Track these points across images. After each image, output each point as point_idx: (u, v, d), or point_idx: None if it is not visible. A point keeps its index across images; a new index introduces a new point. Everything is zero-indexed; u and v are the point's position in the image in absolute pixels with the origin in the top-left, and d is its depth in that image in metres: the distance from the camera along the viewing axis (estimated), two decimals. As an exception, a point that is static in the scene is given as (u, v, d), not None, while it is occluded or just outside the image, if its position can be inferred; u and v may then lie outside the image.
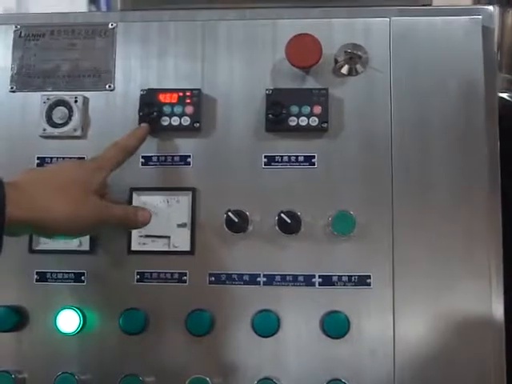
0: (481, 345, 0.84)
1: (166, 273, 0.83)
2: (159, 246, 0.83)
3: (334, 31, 0.85)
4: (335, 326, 0.80)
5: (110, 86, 0.86)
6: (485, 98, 0.87)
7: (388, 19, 0.86)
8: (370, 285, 0.80)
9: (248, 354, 0.81)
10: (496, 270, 0.86)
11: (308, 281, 0.81)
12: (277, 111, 0.80)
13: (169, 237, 0.83)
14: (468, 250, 0.84)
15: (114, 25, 0.88)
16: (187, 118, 0.83)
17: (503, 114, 0.94)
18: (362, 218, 0.80)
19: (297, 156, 0.82)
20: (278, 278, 0.81)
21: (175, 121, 0.83)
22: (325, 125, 0.81)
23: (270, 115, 0.81)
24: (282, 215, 0.78)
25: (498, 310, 0.86)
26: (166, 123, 0.83)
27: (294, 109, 0.82)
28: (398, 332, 0.80)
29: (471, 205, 0.83)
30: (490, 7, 0.90)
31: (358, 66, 0.83)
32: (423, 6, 0.93)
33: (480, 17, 0.88)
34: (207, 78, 0.85)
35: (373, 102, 0.83)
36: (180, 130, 0.83)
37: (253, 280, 0.81)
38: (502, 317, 0.86)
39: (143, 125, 0.82)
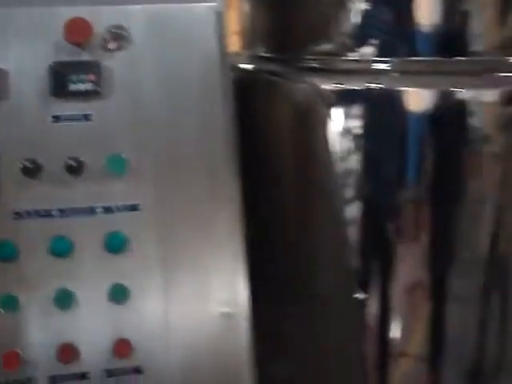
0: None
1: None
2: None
3: (103, 15, 1.08)
4: (116, 243, 1.05)
5: None
6: (220, 75, 1.10)
7: (140, 6, 1.07)
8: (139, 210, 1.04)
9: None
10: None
11: (93, 211, 1.04)
12: (58, 79, 1.05)
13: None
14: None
15: None
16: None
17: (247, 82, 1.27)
18: (133, 160, 1.05)
19: (77, 114, 1.03)
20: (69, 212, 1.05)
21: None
22: (98, 89, 1.07)
23: (54, 83, 1.05)
24: (68, 161, 1.04)
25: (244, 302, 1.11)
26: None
27: (73, 77, 1.06)
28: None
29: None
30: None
31: (123, 43, 1.09)
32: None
33: (214, 4, 1.09)
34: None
35: (137, 71, 1.08)
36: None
37: (48, 214, 1.04)
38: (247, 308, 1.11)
39: None
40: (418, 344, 1.33)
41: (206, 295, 1.12)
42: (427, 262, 1.26)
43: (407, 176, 1.22)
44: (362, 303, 1.28)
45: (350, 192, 1.27)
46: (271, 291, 1.36)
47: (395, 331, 1.32)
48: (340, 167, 1.25)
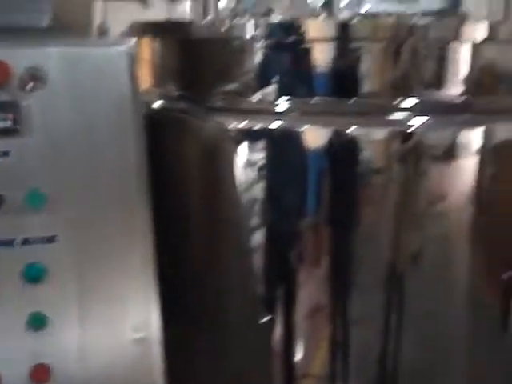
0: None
1: None
2: None
3: (21, 57, 1.08)
4: (34, 274, 1.08)
5: None
6: (132, 113, 1.15)
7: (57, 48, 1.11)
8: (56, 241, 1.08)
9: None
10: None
11: (12, 243, 1.07)
12: None
13: None
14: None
15: None
16: None
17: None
18: (51, 194, 1.07)
19: None
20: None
21: None
22: (17, 127, 1.09)
23: None
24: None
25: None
26: None
27: None
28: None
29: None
30: (133, 40, 1.19)
31: (40, 83, 1.14)
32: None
33: (125, 47, 1.15)
34: None
35: (54, 110, 1.10)
36: None
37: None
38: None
39: None
40: (321, 365, 1.42)
41: (120, 322, 1.16)
42: (328, 287, 1.35)
43: (307, 206, 1.31)
44: (267, 328, 1.36)
45: (254, 222, 1.34)
46: (183, 318, 1.42)
47: (299, 353, 1.42)
48: (245, 200, 1.33)
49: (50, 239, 1.10)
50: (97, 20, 1.85)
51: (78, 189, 1.12)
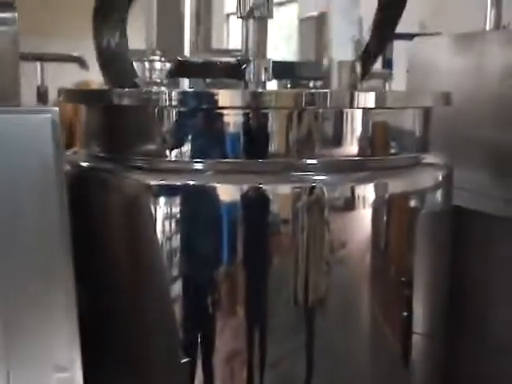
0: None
1: None
2: None
3: None
4: None
5: None
6: (55, 173, 1.23)
7: None
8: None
9: None
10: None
11: None
12: None
13: None
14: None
15: None
16: None
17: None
18: None
19: None
20: None
21: None
22: None
23: None
24: None
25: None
26: None
27: None
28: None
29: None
30: (56, 108, 1.26)
31: None
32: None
33: (49, 115, 1.23)
34: None
35: None
36: None
37: None
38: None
39: None
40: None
41: (45, 363, 1.23)
42: (243, 331, 1.41)
43: (221, 255, 1.38)
44: (187, 369, 1.42)
45: (173, 271, 1.41)
46: (108, 362, 1.49)
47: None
48: (164, 250, 1.40)
49: None
50: (37, 82, 1.95)
51: (0, 244, 1.19)
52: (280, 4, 6.10)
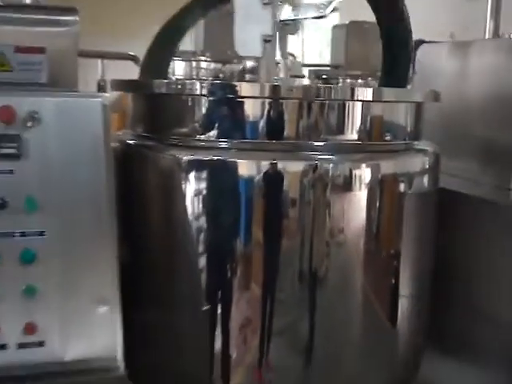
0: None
1: None
2: None
3: (24, 103, 1.36)
4: (28, 257, 1.33)
5: None
6: (104, 148, 1.42)
7: (51, 98, 1.38)
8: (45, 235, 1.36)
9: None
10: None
11: (11, 235, 1.32)
12: None
13: None
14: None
15: None
16: None
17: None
18: (42, 201, 1.36)
19: (4, 169, 1.34)
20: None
21: None
22: (19, 153, 1.36)
23: None
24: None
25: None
26: None
27: (2, 145, 1.34)
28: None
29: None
30: (107, 94, 1.46)
31: (37, 123, 1.41)
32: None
33: (100, 99, 1.42)
34: None
35: (46, 142, 1.38)
36: None
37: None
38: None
39: None
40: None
41: (91, 295, 1.43)
42: (259, 283, 1.56)
43: (240, 217, 1.54)
44: (207, 315, 1.58)
45: (199, 230, 1.57)
46: (146, 305, 1.66)
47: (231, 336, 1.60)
48: (192, 213, 1.56)
49: (40, 233, 1.38)
50: (97, 76, 2.11)
51: (61, 199, 1.40)
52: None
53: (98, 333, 1.42)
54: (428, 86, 2.04)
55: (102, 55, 2.43)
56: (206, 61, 1.87)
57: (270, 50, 1.74)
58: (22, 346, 1.36)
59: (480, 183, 1.88)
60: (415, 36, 1.80)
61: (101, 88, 2.56)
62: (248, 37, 1.70)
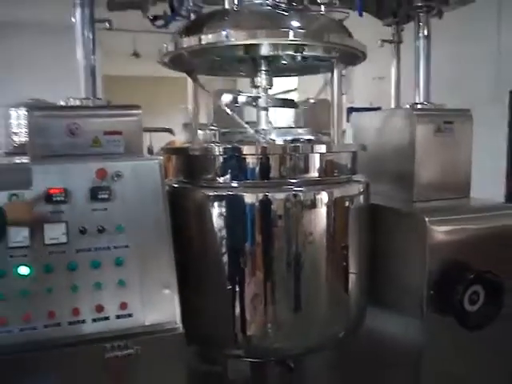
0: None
1: None
2: None
3: (112, 166, 1.45)
4: (119, 262, 1.40)
5: None
6: (161, 191, 1.47)
7: (126, 162, 1.45)
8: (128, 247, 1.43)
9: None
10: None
11: (108, 248, 1.38)
12: (93, 193, 1.42)
13: None
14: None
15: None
16: None
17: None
18: (127, 227, 1.43)
19: (102, 207, 1.41)
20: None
21: None
22: (110, 197, 1.44)
23: (92, 195, 1.46)
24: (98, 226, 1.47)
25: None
26: None
27: (99, 193, 1.42)
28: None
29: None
30: (161, 157, 1.52)
31: (119, 180, 1.56)
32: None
33: (157, 160, 1.48)
34: None
35: (125, 192, 1.49)
36: None
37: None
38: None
39: None
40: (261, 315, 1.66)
41: (159, 286, 1.45)
42: (261, 275, 1.64)
43: (247, 233, 1.61)
44: (230, 292, 1.66)
45: (222, 241, 1.64)
46: (192, 288, 1.68)
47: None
48: (216, 230, 1.64)
49: (126, 246, 1.44)
50: (146, 143, 2.17)
51: (137, 225, 1.46)
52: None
53: (164, 306, 1.44)
54: (359, 139, 2.15)
55: (149, 129, 2.52)
56: (213, 130, 1.89)
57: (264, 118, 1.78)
58: (118, 317, 1.40)
59: (394, 198, 1.92)
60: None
61: (149, 151, 2.66)
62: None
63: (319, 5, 1.58)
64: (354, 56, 1.77)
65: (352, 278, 1.74)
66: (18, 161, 1.83)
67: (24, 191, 1.34)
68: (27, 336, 1.28)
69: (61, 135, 1.47)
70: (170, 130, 3.11)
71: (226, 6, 1.61)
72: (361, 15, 1.52)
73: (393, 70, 2.16)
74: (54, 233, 1.35)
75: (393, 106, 2.19)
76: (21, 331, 1.28)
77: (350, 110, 2.14)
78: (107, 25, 1.63)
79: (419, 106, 1.97)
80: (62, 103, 1.59)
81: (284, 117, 2.11)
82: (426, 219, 1.66)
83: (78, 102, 1.58)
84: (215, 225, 1.61)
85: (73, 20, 1.56)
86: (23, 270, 1.31)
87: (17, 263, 1.31)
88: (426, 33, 1.91)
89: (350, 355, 1.94)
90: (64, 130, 1.47)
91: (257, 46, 1.66)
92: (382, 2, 1.90)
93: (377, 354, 1.89)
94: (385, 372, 1.87)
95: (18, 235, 1.31)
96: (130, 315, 1.40)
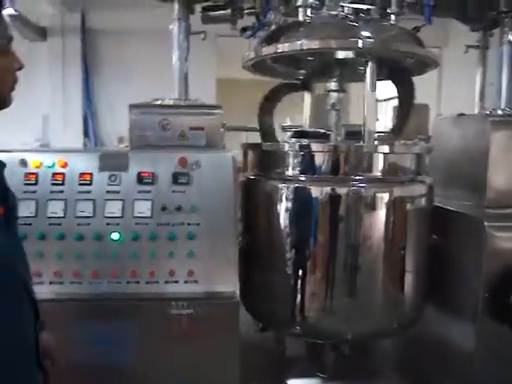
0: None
1: None
2: None
3: (191, 155, 1.70)
4: (191, 236, 1.62)
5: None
6: (233, 182, 1.63)
7: (204, 153, 1.69)
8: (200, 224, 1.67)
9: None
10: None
11: (183, 224, 1.64)
12: (175, 177, 1.73)
13: None
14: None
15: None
16: None
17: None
18: (200, 207, 1.66)
19: (182, 189, 1.66)
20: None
21: None
22: (189, 181, 1.71)
23: (175, 177, 1.78)
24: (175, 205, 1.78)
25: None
26: None
27: (180, 177, 1.66)
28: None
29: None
30: (235, 151, 1.73)
31: (197, 167, 1.84)
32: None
33: (231, 153, 1.64)
34: None
35: (203, 180, 1.71)
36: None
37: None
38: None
39: None
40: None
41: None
42: (322, 269, 1.77)
43: (313, 223, 1.74)
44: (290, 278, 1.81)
45: (288, 231, 1.78)
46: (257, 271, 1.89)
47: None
48: (284, 219, 1.79)
49: (197, 224, 1.64)
50: (242, 140, 2.37)
51: (209, 206, 1.66)
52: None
53: (225, 277, 1.62)
54: (439, 143, 2.17)
55: (241, 128, 2.74)
56: (290, 130, 2.04)
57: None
58: (186, 282, 1.62)
59: (466, 203, 1.90)
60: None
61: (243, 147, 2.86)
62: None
63: (389, 15, 1.69)
64: (424, 64, 1.84)
65: (409, 277, 1.78)
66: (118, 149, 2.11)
67: (122, 173, 1.64)
68: (113, 288, 1.58)
69: (154, 129, 1.75)
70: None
71: (300, 19, 1.79)
72: (429, 22, 1.62)
73: (478, 76, 2.14)
74: (142, 208, 1.62)
75: (476, 111, 2.19)
76: (108, 283, 1.57)
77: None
78: (202, 36, 1.90)
79: (499, 112, 1.95)
80: (158, 102, 1.86)
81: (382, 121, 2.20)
82: (485, 224, 1.67)
83: (171, 102, 1.85)
84: (283, 214, 1.76)
85: (171, 29, 1.84)
86: (115, 236, 1.59)
87: (111, 230, 1.59)
88: (510, 38, 1.90)
89: (401, 351, 2.02)
90: (157, 124, 1.75)
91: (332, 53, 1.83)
92: (466, 7, 1.95)
93: (428, 353, 1.93)
94: (435, 371, 1.91)
95: (114, 208, 1.61)
96: (195, 281, 1.61)
